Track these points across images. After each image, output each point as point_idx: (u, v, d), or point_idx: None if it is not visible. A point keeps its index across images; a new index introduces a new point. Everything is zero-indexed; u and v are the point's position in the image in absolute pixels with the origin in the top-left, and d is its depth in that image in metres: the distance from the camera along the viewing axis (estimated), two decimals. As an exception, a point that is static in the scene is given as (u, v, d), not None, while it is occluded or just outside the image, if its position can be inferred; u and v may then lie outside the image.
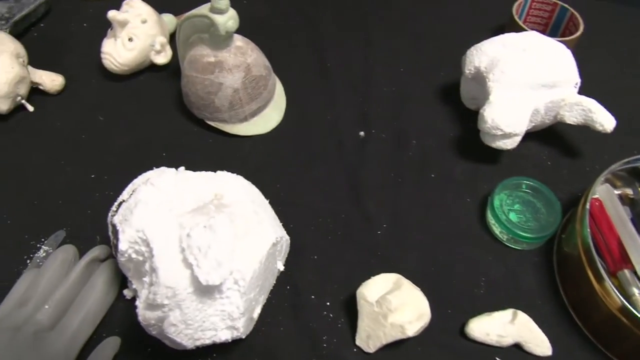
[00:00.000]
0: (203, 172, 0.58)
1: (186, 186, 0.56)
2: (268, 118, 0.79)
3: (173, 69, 0.85)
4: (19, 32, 0.89)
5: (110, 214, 0.58)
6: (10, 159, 0.76)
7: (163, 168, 0.59)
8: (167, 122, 0.80)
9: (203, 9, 0.70)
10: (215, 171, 0.60)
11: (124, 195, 0.58)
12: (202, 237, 0.48)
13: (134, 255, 0.53)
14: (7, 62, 0.76)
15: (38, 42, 0.89)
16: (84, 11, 0.97)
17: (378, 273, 0.60)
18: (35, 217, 0.69)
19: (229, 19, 0.70)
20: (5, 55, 0.76)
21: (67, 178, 0.74)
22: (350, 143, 0.78)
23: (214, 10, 0.69)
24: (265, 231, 0.54)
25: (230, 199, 0.56)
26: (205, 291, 0.49)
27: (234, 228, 0.52)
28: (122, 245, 0.51)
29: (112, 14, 0.76)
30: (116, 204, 0.58)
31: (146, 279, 0.52)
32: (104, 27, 0.86)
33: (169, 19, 0.88)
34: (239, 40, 0.75)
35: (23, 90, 0.79)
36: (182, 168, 0.58)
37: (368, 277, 0.60)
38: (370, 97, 0.84)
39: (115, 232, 0.54)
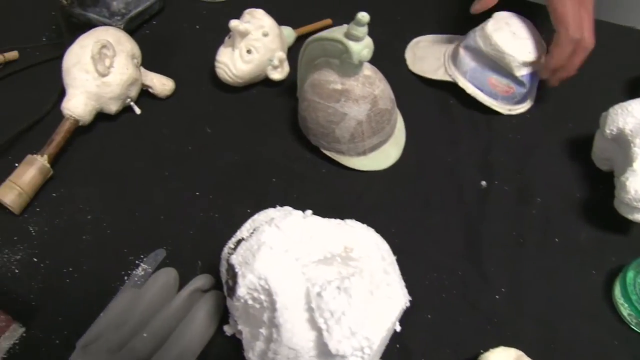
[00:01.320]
0: (332, 220, 0.55)
1: (314, 233, 0.53)
2: (387, 154, 0.76)
3: (288, 85, 0.84)
4: (132, 28, 0.90)
5: (226, 251, 0.56)
6: (113, 162, 0.77)
7: (288, 208, 0.57)
8: (278, 143, 0.79)
9: (337, 33, 0.67)
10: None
11: (243, 232, 0.56)
12: (335, 300, 0.46)
13: (250, 302, 0.51)
14: (123, 62, 0.75)
15: (149, 40, 0.89)
16: (197, 12, 0.96)
17: (494, 341, 0.59)
18: (135, 230, 0.70)
19: (364, 48, 0.67)
20: (122, 55, 0.76)
21: (170, 192, 0.74)
22: (470, 192, 0.74)
23: (350, 36, 0.66)
24: (395, 294, 0.51)
25: (359, 253, 0.53)
26: (329, 355, 0.46)
27: (366, 290, 0.48)
28: (241, 291, 0.49)
29: (234, 23, 0.75)
30: (234, 240, 0.56)
31: (263, 331, 0.49)
32: (217, 31, 0.86)
33: (288, 33, 0.86)
34: (367, 69, 0.72)
35: (134, 92, 0.78)
36: (309, 212, 0.56)
37: (483, 345, 0.59)
38: (494, 143, 0.81)
39: (233, 273, 0.52)
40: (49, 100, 0.83)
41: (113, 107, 0.77)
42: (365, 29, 0.67)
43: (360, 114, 0.72)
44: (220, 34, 0.86)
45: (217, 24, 0.87)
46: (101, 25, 0.85)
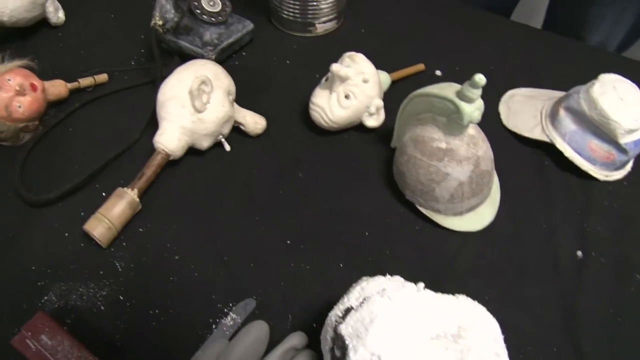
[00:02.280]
0: (445, 295, 0.55)
1: (428, 309, 0.53)
2: (482, 215, 0.76)
3: (381, 132, 0.84)
4: (222, 59, 0.91)
5: (333, 318, 0.56)
6: (202, 199, 0.78)
7: (400, 279, 0.57)
8: (371, 194, 0.80)
9: (448, 91, 0.67)
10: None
11: (352, 300, 0.56)
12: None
13: (360, 376, 0.50)
14: (219, 99, 0.76)
15: (238, 72, 0.89)
16: (287, 45, 0.97)
17: None
18: (224, 276, 0.71)
19: (476, 109, 0.67)
20: (219, 91, 0.76)
21: (260, 237, 0.74)
22: (566, 262, 0.74)
23: (463, 97, 0.66)
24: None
25: (473, 334, 0.53)
26: None
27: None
28: (353, 364, 0.49)
29: (336, 68, 0.75)
30: (342, 307, 0.56)
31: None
32: (308, 67, 0.88)
33: (384, 78, 0.86)
34: (472, 128, 0.72)
35: (227, 129, 0.79)
36: (421, 285, 0.56)
37: None
38: (590, 210, 0.80)
39: (343, 345, 0.52)
40: (137, 128, 0.84)
41: (205, 144, 0.78)
42: (479, 91, 0.66)
43: (463, 175, 0.71)
44: (311, 71, 0.87)
45: (308, 60, 0.87)
46: (192, 54, 0.88)
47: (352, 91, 0.80)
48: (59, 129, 0.86)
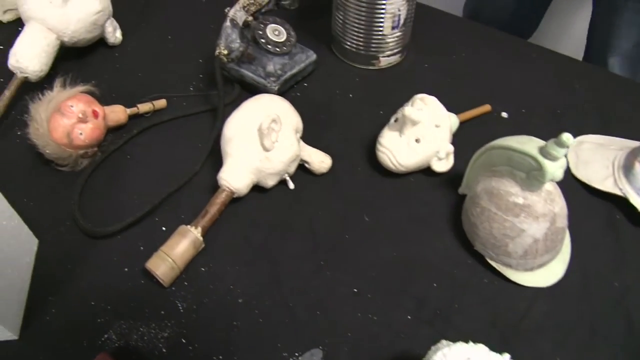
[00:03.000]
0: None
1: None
2: (552, 271, 0.75)
3: (448, 177, 0.85)
4: (285, 90, 0.90)
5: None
6: (265, 239, 0.78)
7: (484, 348, 0.56)
8: (438, 241, 0.79)
9: (530, 147, 0.67)
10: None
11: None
12: None
13: None
14: (288, 138, 0.77)
15: (300, 103, 0.88)
16: (350, 77, 0.97)
17: None
18: (289, 323, 0.70)
19: (559, 168, 0.65)
20: (288, 129, 0.77)
21: (326, 283, 0.74)
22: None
23: (546, 154, 0.65)
24: None
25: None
26: None
27: None
28: None
29: (409, 112, 0.75)
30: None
31: None
32: (371, 103, 0.88)
33: (453, 120, 0.85)
34: (549, 184, 0.71)
35: (293, 168, 0.80)
36: (507, 356, 0.55)
37: None
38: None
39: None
40: (196, 158, 0.85)
41: (270, 182, 0.77)
42: (565, 151, 0.65)
43: (539, 232, 0.71)
44: (374, 106, 0.88)
45: (371, 94, 0.87)
46: (254, 84, 0.90)
47: (423, 135, 0.80)
48: (117, 155, 0.86)
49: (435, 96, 0.85)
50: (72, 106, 0.80)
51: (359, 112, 0.90)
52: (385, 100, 0.92)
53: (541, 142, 0.69)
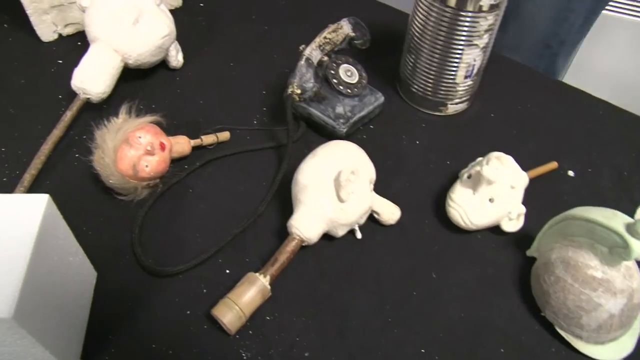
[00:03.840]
0: None
1: None
2: (623, 345, 0.75)
3: (516, 237, 0.85)
4: (351, 132, 0.89)
5: None
6: (332, 290, 0.78)
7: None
8: (505, 304, 0.79)
9: (615, 223, 0.67)
10: None
11: None
12: None
13: None
14: (363, 189, 0.78)
15: (366, 147, 0.87)
16: (416, 123, 0.97)
17: None
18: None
19: (645, 247, 0.65)
20: (363, 181, 0.77)
21: (394, 341, 0.74)
22: None
23: (634, 233, 0.64)
24: None
25: None
26: None
27: None
28: None
29: (486, 172, 0.75)
30: None
31: None
32: (439, 152, 0.89)
33: (524, 179, 0.84)
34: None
35: (364, 219, 0.80)
36: None
37: None
38: None
39: None
40: (260, 197, 0.85)
41: (340, 232, 0.77)
42: (657, 230, 0.65)
43: (615, 307, 0.71)
44: (442, 155, 0.89)
45: (438, 142, 0.87)
46: (322, 124, 0.90)
47: (498, 195, 0.80)
48: (178, 187, 0.85)
49: (501, 148, 0.86)
50: (140, 137, 0.79)
51: (425, 161, 0.90)
52: (452, 150, 0.92)
53: (628, 219, 0.69)
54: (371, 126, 0.96)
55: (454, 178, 0.89)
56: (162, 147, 0.81)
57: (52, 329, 0.61)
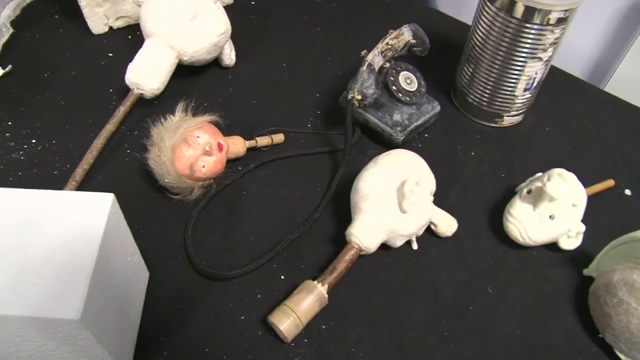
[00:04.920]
0: None
1: None
2: (682, 371, 0.73)
3: (572, 255, 0.84)
4: (407, 140, 0.88)
5: None
6: (387, 300, 0.77)
7: None
8: (561, 323, 0.78)
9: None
10: None
11: None
12: None
13: None
14: (424, 201, 0.78)
15: (422, 155, 0.85)
16: (471, 133, 0.97)
17: None
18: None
19: None
20: (425, 192, 0.76)
21: (450, 357, 0.72)
22: None
23: None
24: None
25: None
26: None
27: None
28: None
29: (550, 188, 0.73)
30: None
31: None
32: (494, 165, 0.89)
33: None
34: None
35: (422, 230, 0.80)
36: None
37: None
38: None
39: None
40: (314, 202, 0.85)
41: (398, 243, 0.76)
42: None
43: (680, 332, 0.69)
44: (496, 168, 0.88)
45: (493, 154, 0.86)
46: (379, 131, 0.89)
47: (558, 212, 0.78)
48: (231, 189, 0.84)
49: (556, 163, 0.85)
50: (198, 137, 0.78)
51: (480, 173, 0.89)
52: (507, 163, 0.90)
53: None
54: (426, 135, 0.94)
55: (509, 191, 0.88)
56: (220, 147, 0.80)
57: (110, 330, 0.60)
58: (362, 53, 0.86)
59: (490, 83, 0.91)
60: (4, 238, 0.55)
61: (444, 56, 1.01)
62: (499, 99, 0.93)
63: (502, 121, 0.97)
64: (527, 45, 0.85)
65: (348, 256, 0.75)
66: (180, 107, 0.83)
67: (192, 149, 0.78)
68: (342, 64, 1.03)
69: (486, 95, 0.93)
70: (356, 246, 0.75)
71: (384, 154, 0.80)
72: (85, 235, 0.56)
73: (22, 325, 0.52)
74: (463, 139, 0.95)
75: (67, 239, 0.56)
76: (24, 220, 0.57)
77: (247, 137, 0.88)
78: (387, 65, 0.87)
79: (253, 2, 1.15)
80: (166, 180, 0.79)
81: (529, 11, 0.81)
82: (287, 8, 1.15)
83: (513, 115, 0.96)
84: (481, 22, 0.88)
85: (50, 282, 0.52)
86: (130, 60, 0.91)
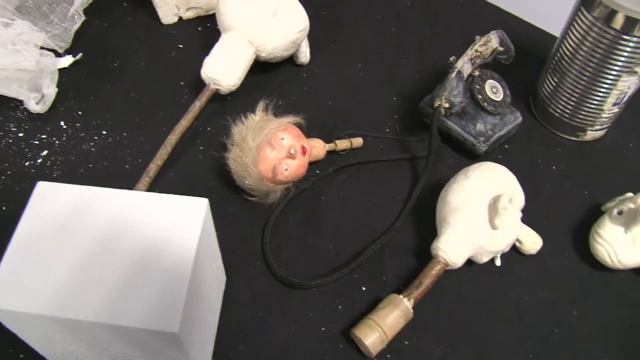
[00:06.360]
0: None
1: None
2: None
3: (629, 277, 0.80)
4: (489, 151, 0.85)
5: None
6: (468, 318, 0.75)
7: None
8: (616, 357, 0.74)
9: None
10: None
11: None
12: None
13: None
14: (514, 217, 0.77)
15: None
16: (551, 146, 0.95)
17: None
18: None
19: None
20: (516, 208, 0.73)
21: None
22: None
23: None
24: None
25: None
26: None
27: None
28: None
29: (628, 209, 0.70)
30: None
31: None
32: (574, 178, 0.87)
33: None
34: None
35: (509, 247, 0.75)
36: None
37: None
38: None
39: None
40: (396, 213, 0.83)
41: (485, 259, 0.75)
42: None
43: None
44: (579, 185, 0.87)
45: (574, 169, 0.87)
46: (460, 140, 0.87)
47: (649, 234, 0.75)
48: (310, 193, 0.82)
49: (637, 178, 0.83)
50: (282, 139, 0.76)
51: (562, 188, 0.86)
52: (590, 179, 0.88)
53: None
54: (506, 146, 0.92)
55: (592, 209, 0.86)
56: (304, 150, 0.78)
57: (197, 339, 0.59)
58: (451, 59, 0.83)
59: (576, 95, 0.89)
60: (99, 241, 0.54)
61: (521, 64, 0.97)
62: (584, 112, 0.90)
63: (585, 135, 0.94)
64: (623, 59, 0.82)
65: (434, 271, 0.73)
66: (260, 106, 0.81)
67: (277, 151, 0.76)
68: (418, 66, 1.00)
69: (570, 108, 0.90)
70: (443, 261, 0.73)
71: (473, 166, 0.78)
72: (182, 242, 0.55)
73: (115, 333, 0.51)
74: (544, 151, 0.93)
75: (164, 245, 0.54)
76: (119, 222, 0.56)
77: (324, 139, 0.85)
78: (476, 73, 0.84)
79: (324, -3, 1.12)
80: (247, 182, 0.77)
81: (630, 22, 0.78)
82: (359, 5, 1.12)
83: (597, 130, 0.93)
84: (573, 30, 0.85)
85: (149, 292, 0.51)
86: (201, 53, 0.89)
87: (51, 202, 0.57)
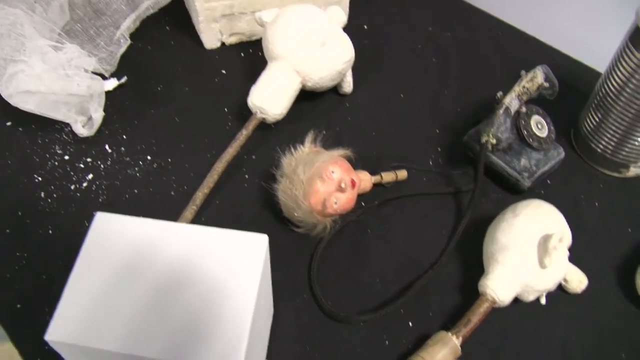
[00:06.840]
0: None
1: None
2: None
3: None
4: (532, 187, 0.86)
5: None
6: (513, 356, 0.75)
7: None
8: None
9: None
10: None
11: None
12: None
13: None
14: (562, 256, 0.76)
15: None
16: (594, 182, 0.94)
17: None
18: None
19: None
20: (563, 247, 0.72)
21: None
22: None
23: None
24: None
25: None
26: None
27: None
28: None
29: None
30: None
31: None
32: (617, 216, 0.87)
33: None
34: None
35: (556, 286, 0.74)
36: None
37: None
38: None
39: None
40: (440, 246, 0.84)
41: (531, 297, 0.75)
42: None
43: None
44: (622, 222, 0.87)
45: (617, 207, 0.88)
46: (504, 174, 0.88)
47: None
48: (355, 225, 0.83)
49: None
50: (333, 172, 0.76)
51: (605, 226, 0.87)
52: (633, 216, 0.88)
53: None
54: (548, 181, 0.92)
55: (637, 247, 0.86)
56: (353, 184, 0.79)
57: None
58: (498, 95, 0.83)
59: (620, 132, 0.89)
60: (162, 277, 0.55)
61: (561, 97, 0.98)
62: (628, 149, 0.90)
63: (628, 172, 0.94)
64: (669, 98, 0.82)
65: (482, 309, 0.74)
66: (309, 137, 0.81)
67: (327, 185, 0.77)
68: (460, 98, 1.00)
69: (613, 144, 0.91)
70: (491, 298, 0.74)
71: (522, 204, 0.78)
72: (243, 281, 0.55)
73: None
74: (586, 187, 0.93)
75: (225, 284, 0.55)
76: (181, 258, 0.56)
77: (369, 170, 0.86)
78: (523, 109, 0.84)
79: (366, 27, 1.13)
80: (296, 214, 0.78)
81: (678, 62, 0.79)
82: (399, 34, 1.12)
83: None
84: (620, 67, 0.85)
85: (212, 332, 0.52)
86: (244, 79, 0.90)
87: (111, 234, 0.58)
